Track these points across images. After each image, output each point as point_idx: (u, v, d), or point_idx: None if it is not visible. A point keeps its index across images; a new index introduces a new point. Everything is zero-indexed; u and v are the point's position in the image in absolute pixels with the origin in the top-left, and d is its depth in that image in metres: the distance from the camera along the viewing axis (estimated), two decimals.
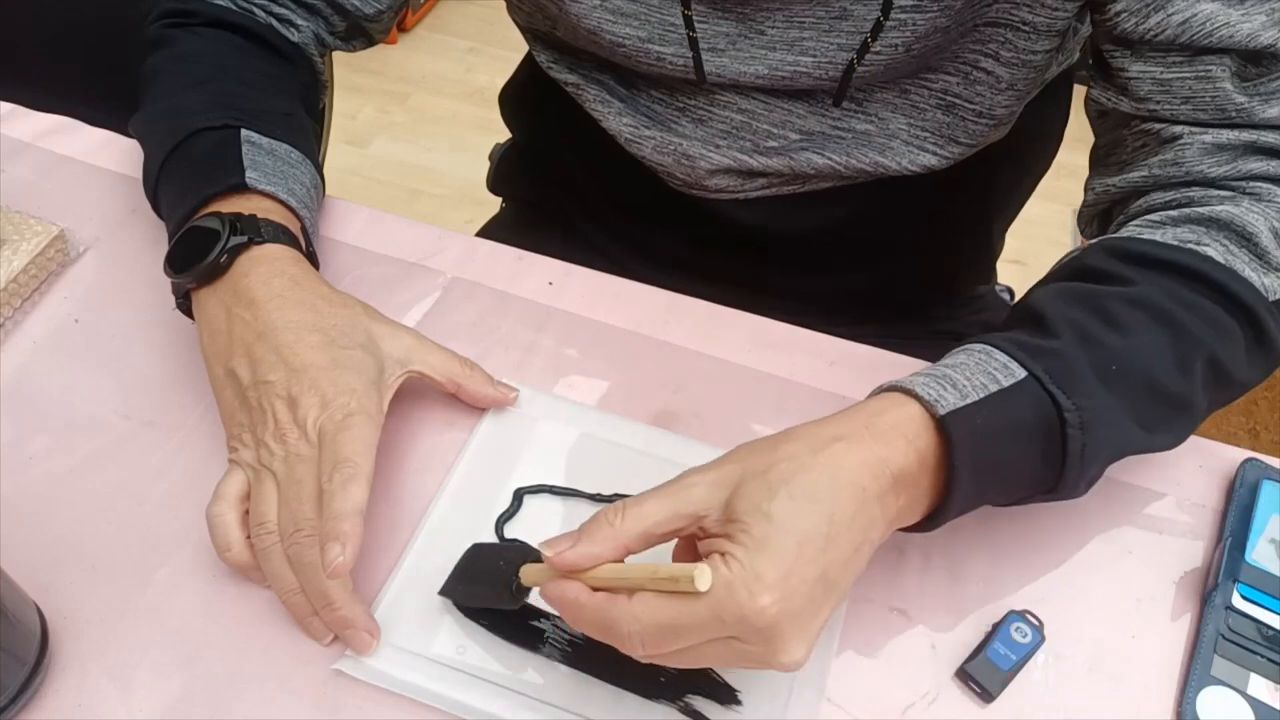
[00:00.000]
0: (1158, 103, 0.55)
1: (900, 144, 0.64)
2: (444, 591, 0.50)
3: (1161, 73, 0.54)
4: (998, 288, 0.90)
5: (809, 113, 0.64)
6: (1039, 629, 0.49)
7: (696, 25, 0.61)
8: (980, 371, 0.46)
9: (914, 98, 0.62)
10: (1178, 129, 0.54)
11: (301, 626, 0.49)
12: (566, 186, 0.83)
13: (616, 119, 0.68)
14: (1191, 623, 0.51)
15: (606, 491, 0.55)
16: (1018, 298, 0.92)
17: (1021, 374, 0.45)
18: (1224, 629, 0.49)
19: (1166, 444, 0.50)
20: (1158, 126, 0.56)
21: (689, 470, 0.43)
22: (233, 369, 0.53)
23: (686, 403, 0.59)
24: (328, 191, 0.69)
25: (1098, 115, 0.61)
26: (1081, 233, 0.67)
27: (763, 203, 0.69)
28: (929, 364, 0.49)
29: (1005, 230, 0.84)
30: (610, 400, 0.60)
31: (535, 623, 0.49)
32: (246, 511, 0.51)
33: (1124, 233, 0.54)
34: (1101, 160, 0.62)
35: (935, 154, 0.64)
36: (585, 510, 0.54)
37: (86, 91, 0.82)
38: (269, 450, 0.50)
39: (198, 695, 0.48)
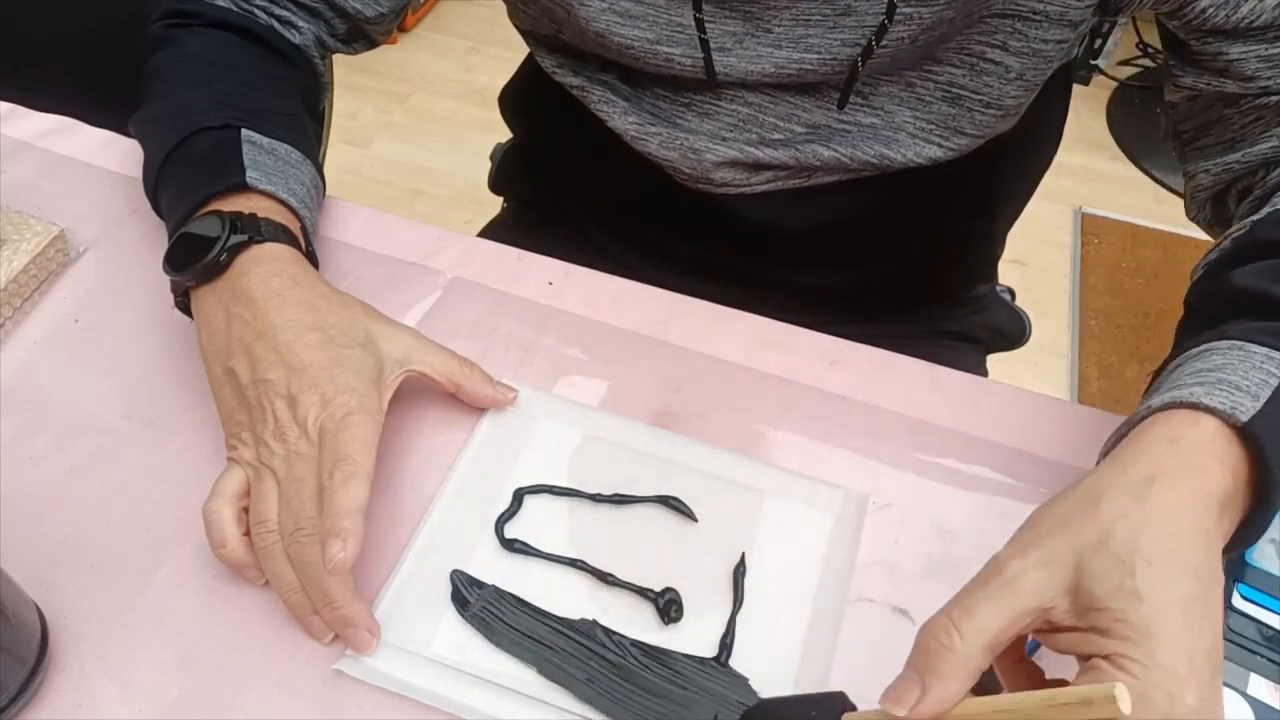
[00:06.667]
0: (1269, 78, 0.56)
1: (906, 136, 0.64)
2: None
3: (1266, 49, 0.55)
4: (998, 288, 0.90)
5: (815, 106, 0.64)
6: None
7: (706, 26, 0.61)
8: (1250, 368, 0.44)
9: (919, 90, 0.62)
10: None
11: (301, 625, 0.49)
12: (567, 186, 0.83)
13: (622, 118, 0.68)
14: None
15: (606, 491, 0.55)
16: (1019, 297, 0.93)
17: None
18: (1224, 629, 0.49)
19: None
20: (1274, 99, 0.56)
21: (999, 558, 0.39)
22: (232, 368, 0.53)
23: (686, 403, 0.59)
24: (328, 191, 0.69)
25: (1186, 100, 0.61)
26: (1194, 219, 0.67)
27: (767, 197, 0.69)
28: (1160, 382, 0.47)
29: (1007, 229, 0.84)
30: (610, 400, 0.60)
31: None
32: (243, 509, 0.51)
33: None
34: (1198, 141, 0.62)
35: (941, 145, 0.64)
36: (585, 511, 0.54)
37: (86, 91, 0.82)
38: (269, 449, 0.50)
39: (198, 695, 0.48)
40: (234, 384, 0.53)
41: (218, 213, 0.56)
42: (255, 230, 0.55)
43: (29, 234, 0.64)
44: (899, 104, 0.63)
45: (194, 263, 0.54)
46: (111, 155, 0.72)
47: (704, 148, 0.67)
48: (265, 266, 0.55)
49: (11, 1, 0.93)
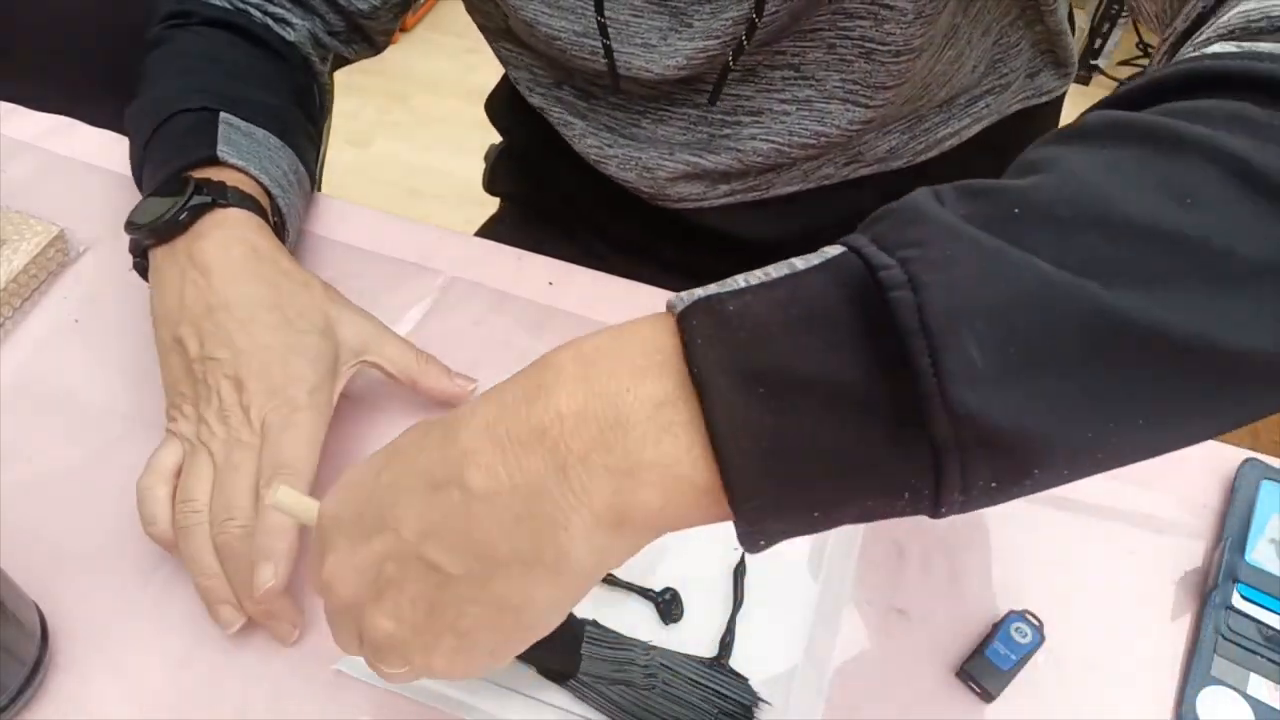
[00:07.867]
0: None
1: (837, 104, 0.63)
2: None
3: None
4: None
5: (756, 93, 0.64)
6: (1039, 629, 0.49)
7: (631, 21, 0.61)
8: (763, 270, 0.31)
9: (840, 51, 0.61)
10: None
11: (210, 612, 0.48)
12: (556, 191, 0.84)
13: (581, 140, 0.69)
14: (1191, 623, 0.51)
15: None
16: None
17: (837, 250, 0.31)
18: (1224, 629, 0.49)
19: (1179, 318, 0.27)
20: None
21: None
22: (180, 337, 0.51)
23: None
24: (328, 191, 0.69)
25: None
26: None
27: (727, 211, 0.69)
28: None
29: None
30: None
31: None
32: (176, 486, 0.50)
33: None
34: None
35: (867, 106, 0.63)
36: None
37: (86, 91, 0.82)
38: (209, 428, 0.49)
39: (198, 695, 0.48)
40: (181, 354, 0.51)
41: (186, 177, 0.55)
42: (221, 194, 0.54)
43: (29, 234, 0.64)
44: (826, 69, 0.62)
45: (153, 221, 0.53)
46: (111, 155, 0.72)
47: (656, 165, 0.67)
48: (226, 232, 0.53)
49: (12, 1, 0.93)
